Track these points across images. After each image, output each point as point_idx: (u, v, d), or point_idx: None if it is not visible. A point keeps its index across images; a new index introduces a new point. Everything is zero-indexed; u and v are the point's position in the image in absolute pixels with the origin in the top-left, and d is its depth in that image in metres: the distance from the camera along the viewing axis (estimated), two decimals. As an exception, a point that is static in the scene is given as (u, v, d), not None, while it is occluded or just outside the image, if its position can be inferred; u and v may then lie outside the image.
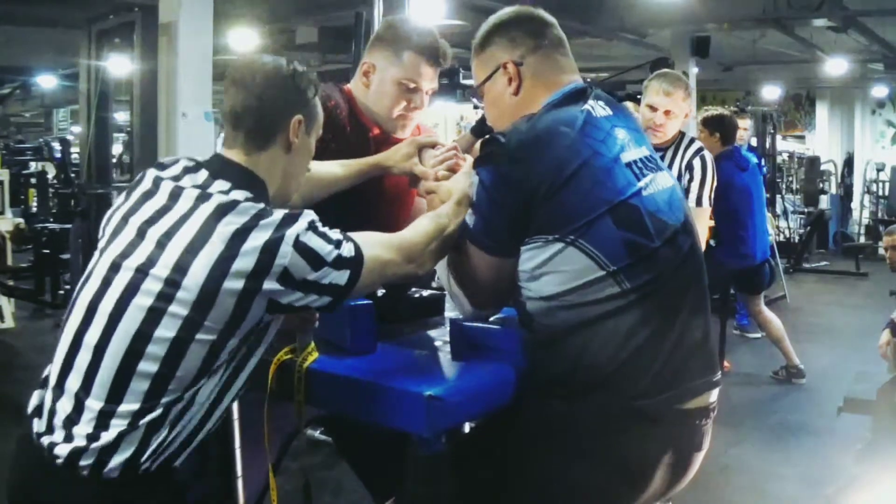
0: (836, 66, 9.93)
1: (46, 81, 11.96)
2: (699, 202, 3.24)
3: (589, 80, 2.17)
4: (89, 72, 4.50)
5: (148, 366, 1.38)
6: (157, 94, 4.35)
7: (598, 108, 1.65)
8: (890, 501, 2.84)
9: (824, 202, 12.48)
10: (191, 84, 4.52)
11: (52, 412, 1.42)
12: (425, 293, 2.11)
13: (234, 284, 1.37)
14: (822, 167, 12.79)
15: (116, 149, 5.76)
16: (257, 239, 1.38)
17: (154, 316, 1.38)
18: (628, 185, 1.57)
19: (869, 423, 3.55)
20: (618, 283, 1.51)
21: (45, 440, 1.41)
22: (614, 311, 1.52)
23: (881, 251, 5.87)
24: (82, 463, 1.37)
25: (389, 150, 1.93)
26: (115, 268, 1.44)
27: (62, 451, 1.38)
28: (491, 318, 1.78)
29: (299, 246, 1.40)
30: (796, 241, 10.82)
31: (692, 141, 3.38)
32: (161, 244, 1.41)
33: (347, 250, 1.47)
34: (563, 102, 1.64)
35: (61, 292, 6.14)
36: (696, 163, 3.26)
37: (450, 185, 1.76)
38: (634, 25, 8.25)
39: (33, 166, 9.98)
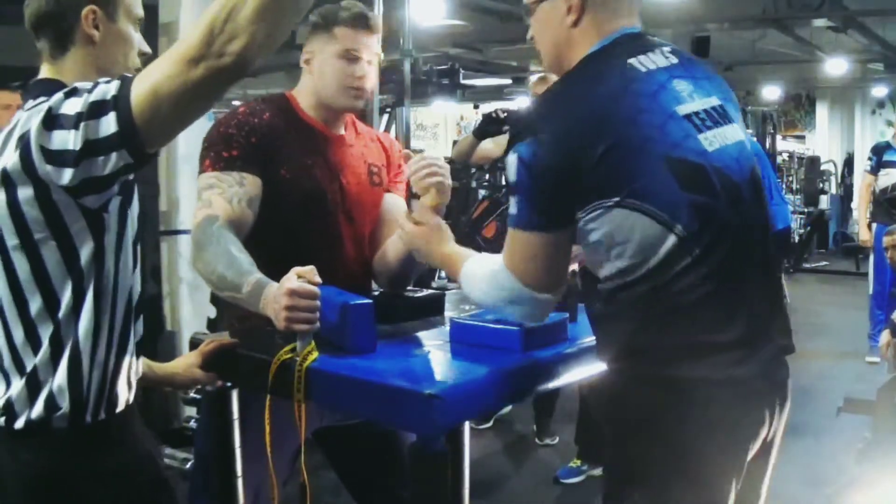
0: (836, 66, 9.95)
1: (46, 81, 11.96)
2: None
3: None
4: (89, 72, 4.50)
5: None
6: (157, 94, 4.35)
7: (651, 60, 1.49)
8: (890, 501, 2.84)
9: (824, 202, 12.51)
10: (191, 84, 4.52)
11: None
12: (425, 293, 2.11)
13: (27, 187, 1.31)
14: (822, 167, 12.81)
15: (116, 149, 5.73)
16: (25, 127, 1.31)
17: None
18: (686, 136, 1.43)
19: (869, 423, 3.55)
20: (687, 249, 1.40)
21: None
22: (685, 279, 1.41)
23: (881, 251, 5.86)
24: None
25: (174, 362, 1.87)
26: None
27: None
28: (489, 318, 1.78)
29: (47, 118, 1.29)
30: (796, 241, 10.83)
31: None
32: None
33: (101, 93, 1.28)
34: (608, 52, 1.51)
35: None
36: None
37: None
38: (634, 25, 8.25)
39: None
